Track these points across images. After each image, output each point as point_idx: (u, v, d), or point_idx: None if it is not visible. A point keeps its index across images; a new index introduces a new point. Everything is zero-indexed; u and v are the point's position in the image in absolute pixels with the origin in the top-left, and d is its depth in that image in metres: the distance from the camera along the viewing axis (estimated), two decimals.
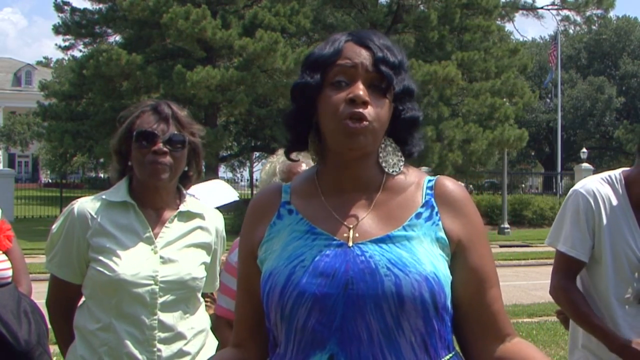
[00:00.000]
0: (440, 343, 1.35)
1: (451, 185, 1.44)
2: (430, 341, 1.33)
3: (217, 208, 2.52)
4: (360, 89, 1.33)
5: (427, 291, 1.30)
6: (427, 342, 1.33)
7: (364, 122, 1.32)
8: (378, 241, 1.35)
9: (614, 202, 2.48)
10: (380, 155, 1.41)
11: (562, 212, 2.58)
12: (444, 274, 1.34)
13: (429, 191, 1.42)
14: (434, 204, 1.41)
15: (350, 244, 1.35)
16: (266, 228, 1.44)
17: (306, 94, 1.39)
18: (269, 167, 2.65)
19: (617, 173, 2.56)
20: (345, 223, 1.38)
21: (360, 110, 1.32)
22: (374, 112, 1.34)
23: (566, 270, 2.54)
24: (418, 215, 1.39)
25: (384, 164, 1.41)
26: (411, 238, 1.35)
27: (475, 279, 1.38)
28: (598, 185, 2.51)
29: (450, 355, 1.37)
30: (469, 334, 1.40)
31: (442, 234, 1.38)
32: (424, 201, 1.41)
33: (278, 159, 2.61)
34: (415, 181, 1.44)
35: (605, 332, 2.44)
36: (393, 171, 1.41)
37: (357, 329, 1.30)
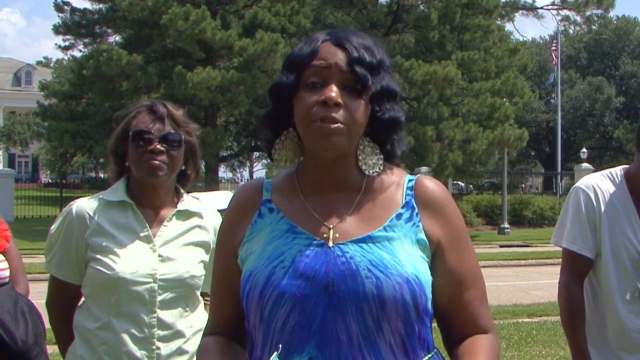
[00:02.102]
0: (420, 344, 1.35)
1: (431, 185, 1.43)
2: (409, 343, 1.33)
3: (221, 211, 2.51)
4: (333, 91, 1.32)
5: (409, 293, 1.29)
6: (406, 344, 1.32)
7: (336, 124, 1.31)
8: (359, 241, 1.34)
9: (615, 197, 2.48)
10: (360, 157, 1.39)
11: (565, 209, 2.58)
12: (425, 276, 1.34)
13: (409, 191, 1.42)
14: (414, 205, 1.40)
15: (331, 244, 1.34)
16: (247, 227, 1.43)
17: (282, 94, 1.38)
18: None
19: (618, 169, 2.56)
20: (326, 223, 1.37)
21: (333, 114, 1.31)
22: (348, 114, 1.32)
23: (570, 267, 2.53)
24: (399, 216, 1.38)
25: (363, 166, 1.39)
26: (392, 239, 1.35)
27: (452, 280, 1.38)
28: (599, 181, 2.52)
29: (430, 355, 1.37)
30: (444, 331, 1.42)
31: (422, 236, 1.37)
32: (404, 202, 1.40)
33: None
34: (396, 181, 1.43)
35: (584, 355, 2.45)
36: (373, 172, 1.40)
37: (336, 332, 1.29)
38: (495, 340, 1.41)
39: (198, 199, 2.42)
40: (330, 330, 1.29)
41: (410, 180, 1.44)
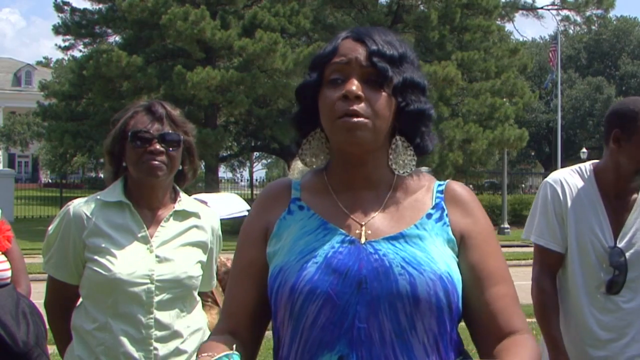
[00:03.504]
0: (451, 345, 1.33)
1: (460, 189, 1.44)
2: (442, 342, 1.31)
3: (226, 219, 2.49)
4: (354, 85, 1.32)
5: (442, 290, 1.28)
6: (439, 343, 1.30)
7: (359, 118, 1.31)
8: (391, 239, 1.34)
9: (583, 191, 2.50)
10: (391, 156, 1.39)
11: (534, 204, 2.62)
12: (457, 274, 1.33)
13: (439, 194, 1.42)
14: (444, 206, 1.40)
15: (363, 240, 1.34)
16: (275, 222, 1.42)
17: (306, 93, 1.39)
18: (302, 166, 2.63)
19: (587, 164, 2.59)
20: (357, 220, 1.37)
21: (354, 107, 1.31)
22: (370, 107, 1.32)
23: (540, 261, 2.56)
24: (429, 216, 1.38)
25: (393, 165, 1.39)
26: (424, 237, 1.34)
27: (475, 276, 1.35)
28: (566, 175, 2.55)
29: (461, 358, 1.35)
30: (476, 335, 1.37)
31: (451, 234, 1.37)
32: (434, 203, 1.41)
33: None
34: (426, 185, 1.44)
35: (558, 348, 2.46)
36: (404, 172, 1.40)
37: (369, 330, 1.27)
38: (534, 341, 1.33)
39: (206, 202, 2.41)
40: (362, 328, 1.27)
41: (439, 185, 1.44)
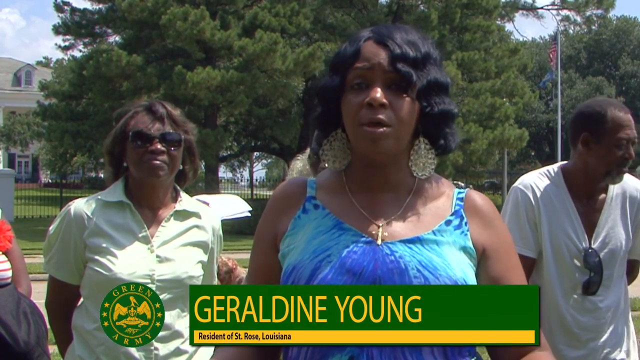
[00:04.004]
0: (460, 352, 1.31)
1: (480, 199, 1.44)
2: (450, 348, 1.29)
3: (228, 220, 2.49)
4: (378, 92, 1.31)
5: None
6: (447, 349, 1.29)
7: (383, 128, 1.30)
8: (408, 242, 1.33)
9: (553, 194, 2.50)
10: (412, 158, 1.39)
11: (504, 210, 2.60)
12: (472, 282, 1.33)
13: (459, 202, 1.42)
14: (463, 215, 1.40)
15: (379, 242, 1.33)
16: (290, 221, 1.41)
17: (328, 96, 1.38)
18: (301, 166, 2.62)
19: (555, 167, 2.60)
20: (374, 221, 1.36)
21: (379, 115, 1.30)
22: (394, 113, 1.31)
23: None
24: (447, 223, 1.38)
25: (413, 167, 1.39)
26: (441, 243, 1.34)
27: None
28: (536, 180, 2.54)
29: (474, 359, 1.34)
30: (492, 351, 1.36)
31: (470, 244, 1.37)
32: (453, 210, 1.40)
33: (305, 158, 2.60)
34: (446, 191, 1.43)
35: None
36: (422, 175, 1.39)
37: None
38: (554, 358, 1.32)
39: (208, 203, 2.41)
40: None
41: (459, 192, 1.44)
